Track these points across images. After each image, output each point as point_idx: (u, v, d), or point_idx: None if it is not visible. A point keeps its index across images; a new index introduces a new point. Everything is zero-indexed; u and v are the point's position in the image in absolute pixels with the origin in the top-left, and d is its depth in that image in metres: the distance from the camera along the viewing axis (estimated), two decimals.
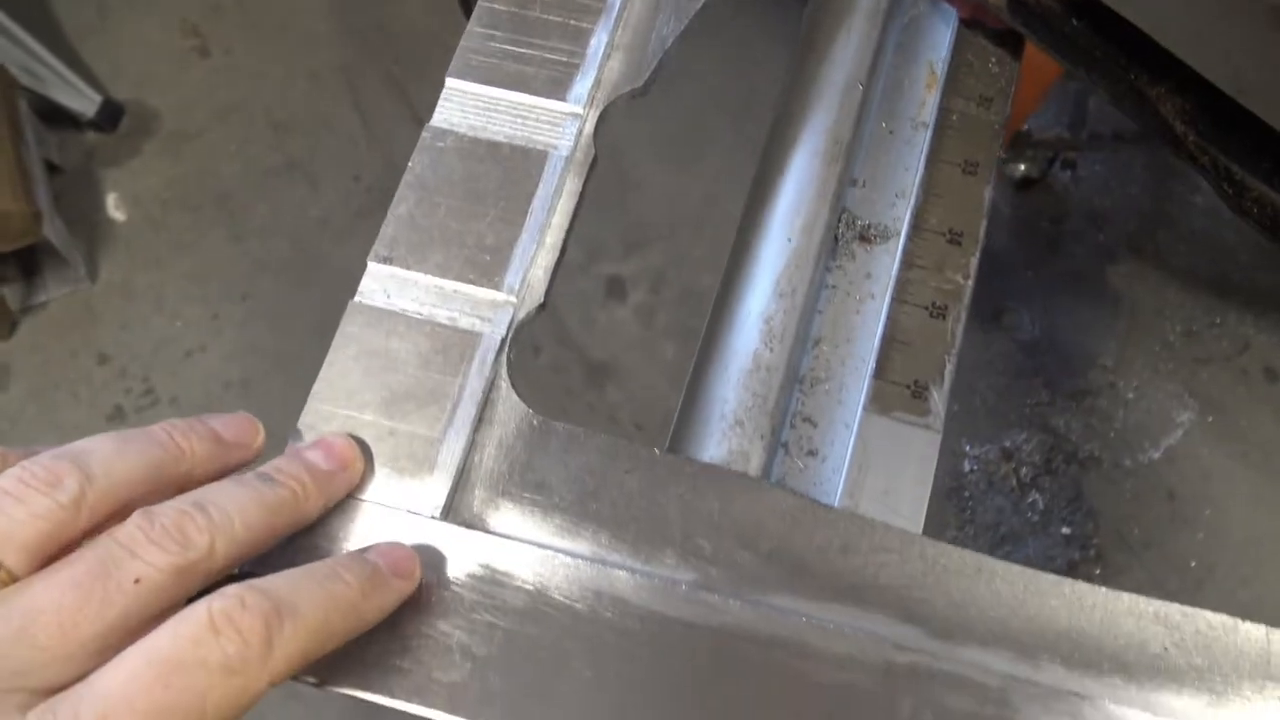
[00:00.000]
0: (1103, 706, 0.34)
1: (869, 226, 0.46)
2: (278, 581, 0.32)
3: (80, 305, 1.47)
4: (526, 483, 0.39)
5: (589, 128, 0.45)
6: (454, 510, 0.38)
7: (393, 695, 0.35)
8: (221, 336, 1.45)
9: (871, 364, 0.42)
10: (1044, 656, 0.35)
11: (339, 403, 0.40)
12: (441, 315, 0.41)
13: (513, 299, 0.41)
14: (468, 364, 0.40)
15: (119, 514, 0.32)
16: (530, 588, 0.36)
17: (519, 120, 0.45)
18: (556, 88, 0.45)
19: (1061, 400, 1.34)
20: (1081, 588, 0.36)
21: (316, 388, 0.40)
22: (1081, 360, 1.36)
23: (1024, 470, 1.31)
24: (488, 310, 0.41)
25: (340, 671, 0.35)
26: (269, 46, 1.62)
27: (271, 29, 1.63)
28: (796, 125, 0.48)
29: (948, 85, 0.48)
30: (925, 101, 0.48)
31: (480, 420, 0.39)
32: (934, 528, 0.38)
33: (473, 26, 0.46)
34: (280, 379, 1.40)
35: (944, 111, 0.47)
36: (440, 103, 0.45)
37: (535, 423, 0.39)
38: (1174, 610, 0.36)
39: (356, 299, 0.41)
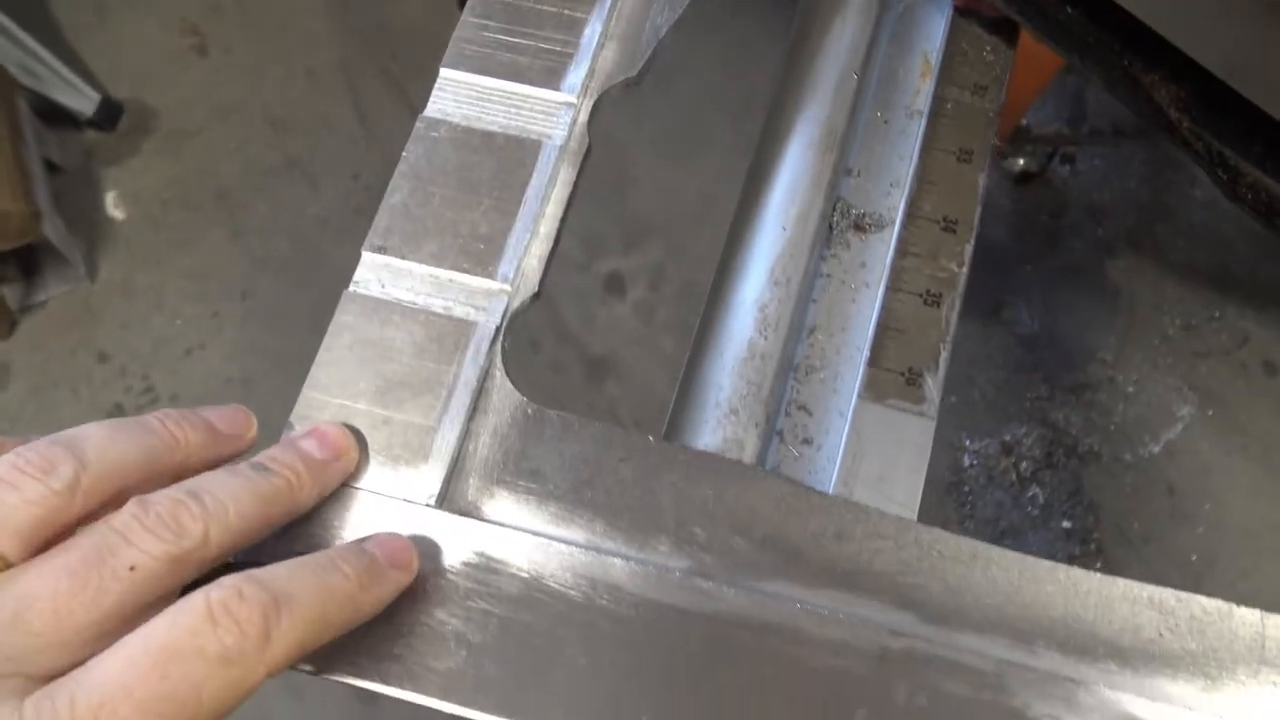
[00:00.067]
0: (1098, 691, 0.34)
1: (864, 215, 0.46)
2: (276, 572, 0.32)
3: (80, 304, 1.47)
4: (521, 471, 0.39)
5: (583, 117, 0.45)
6: (449, 498, 0.38)
7: (387, 683, 0.35)
8: (221, 335, 1.45)
9: (866, 352, 0.42)
10: (1039, 642, 0.35)
11: (334, 392, 0.40)
12: (436, 304, 0.41)
13: (507, 288, 0.41)
14: (462, 353, 0.40)
15: (113, 501, 0.32)
16: (525, 575, 0.36)
17: (513, 110, 0.45)
18: (550, 77, 0.45)
19: (1061, 394, 1.34)
20: (1076, 574, 0.36)
21: (311, 377, 0.40)
22: (1081, 354, 1.36)
23: (1024, 464, 1.31)
24: (482, 299, 0.41)
25: (335, 659, 0.35)
26: (268, 45, 1.62)
27: (270, 28, 1.63)
28: (791, 115, 0.48)
29: (942, 74, 0.48)
30: (920, 90, 0.48)
31: (475, 409, 0.39)
32: (934, 522, 0.38)
33: (466, 16, 0.46)
34: (280, 377, 1.40)
35: (938, 100, 0.47)
36: (434, 92, 0.45)
37: (530, 411, 0.39)
38: (1168, 595, 0.36)
39: (351, 288, 0.41)
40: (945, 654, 0.35)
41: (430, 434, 0.39)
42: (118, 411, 1.41)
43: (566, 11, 0.46)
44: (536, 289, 0.42)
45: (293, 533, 0.37)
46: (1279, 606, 0.35)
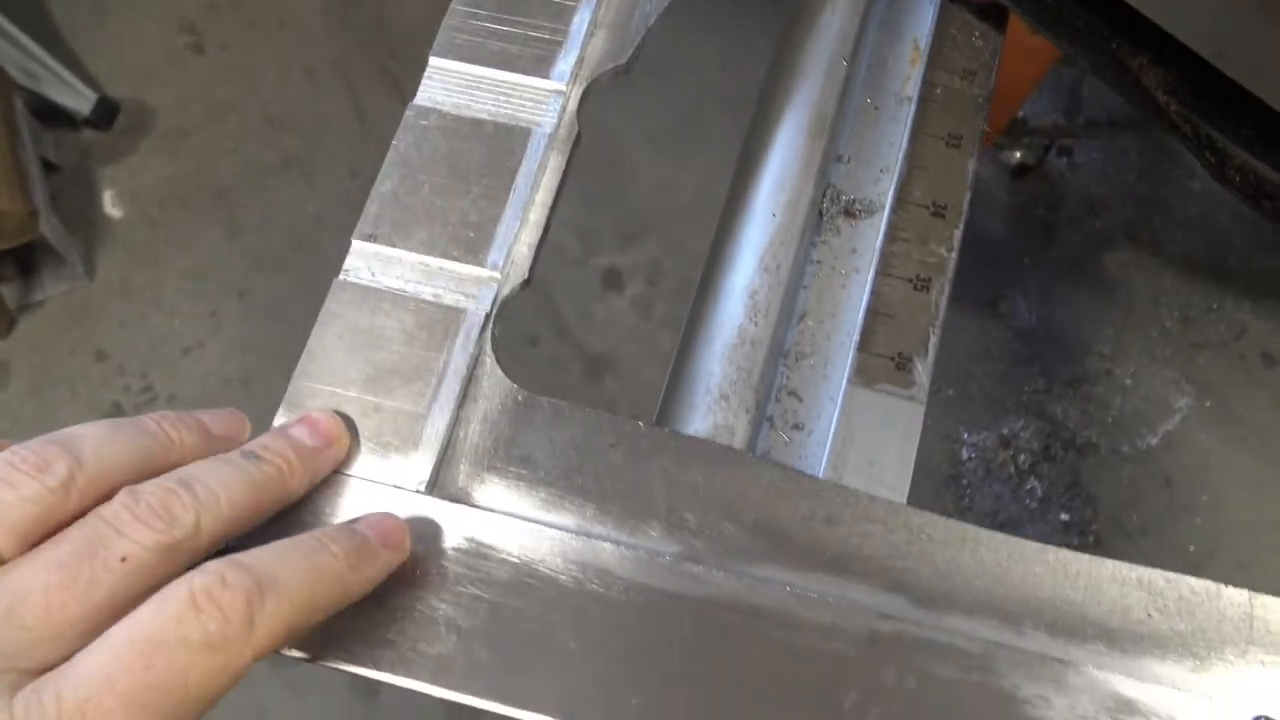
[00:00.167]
0: (1086, 672, 0.34)
1: (854, 201, 0.46)
2: (262, 555, 0.32)
3: (78, 303, 1.47)
4: (511, 457, 0.39)
5: (572, 105, 0.45)
6: (439, 485, 0.38)
7: (379, 668, 0.35)
8: (219, 333, 1.45)
9: (856, 337, 0.42)
10: (1028, 623, 0.36)
11: (324, 379, 0.40)
12: (426, 292, 0.41)
13: (497, 275, 0.41)
14: (452, 340, 0.40)
15: (107, 499, 0.32)
16: (515, 560, 0.37)
17: (503, 98, 0.45)
18: (540, 65, 0.45)
19: (1059, 387, 1.34)
20: (1065, 555, 0.36)
21: (301, 365, 0.40)
22: (1079, 347, 1.36)
23: (1022, 457, 1.31)
24: (472, 286, 0.41)
25: (329, 646, 0.35)
26: (265, 43, 1.62)
27: (267, 26, 1.63)
28: (781, 102, 0.48)
29: (931, 59, 0.48)
30: (910, 76, 0.48)
31: (465, 396, 0.39)
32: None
33: (456, 5, 0.46)
34: (279, 375, 1.39)
35: (927, 85, 0.47)
36: (424, 81, 0.45)
37: (520, 397, 0.39)
38: (1157, 576, 0.36)
39: (341, 277, 0.42)
40: (934, 636, 0.35)
41: (420, 421, 0.39)
42: (116, 410, 1.41)
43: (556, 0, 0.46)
44: (526, 276, 0.42)
45: (284, 520, 0.37)
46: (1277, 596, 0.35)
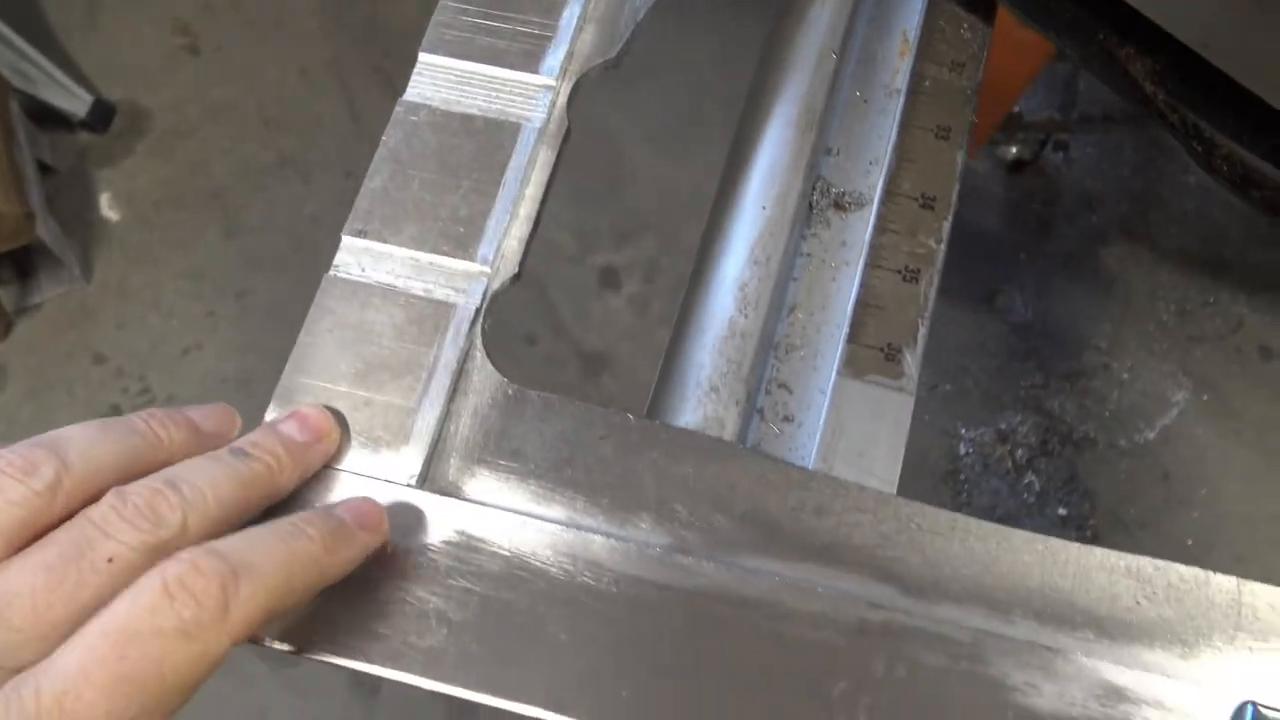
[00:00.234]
0: (1075, 659, 0.34)
1: (844, 194, 0.46)
2: (236, 541, 0.32)
3: (75, 305, 1.47)
4: (502, 450, 0.39)
5: (562, 99, 0.45)
6: (430, 479, 0.38)
7: (370, 661, 0.35)
8: (217, 334, 1.46)
9: (845, 329, 0.43)
10: (1017, 612, 0.36)
11: (315, 374, 0.40)
12: (416, 287, 0.41)
13: (487, 269, 0.41)
14: (442, 334, 0.40)
15: (96, 500, 0.32)
16: (506, 553, 0.37)
17: (492, 93, 0.45)
18: (529, 60, 0.45)
19: (1056, 382, 1.34)
20: (1054, 544, 0.36)
21: (292, 360, 0.40)
22: (1075, 342, 1.36)
23: (1019, 452, 1.31)
24: (462, 281, 0.41)
25: (318, 639, 0.35)
26: (260, 44, 1.62)
27: (262, 26, 1.63)
28: (771, 95, 0.48)
29: (920, 51, 0.48)
30: (899, 69, 0.48)
31: (455, 389, 0.39)
32: None
33: (446, 1, 0.46)
34: (276, 376, 1.39)
35: (916, 77, 0.47)
36: (414, 77, 0.45)
37: (510, 391, 0.40)
38: (1146, 564, 0.36)
39: (331, 272, 0.42)
40: (923, 625, 0.35)
41: (411, 415, 0.39)
42: (114, 412, 1.41)
43: None
44: (517, 270, 0.42)
45: (274, 515, 0.37)
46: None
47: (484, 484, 0.38)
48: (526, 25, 0.46)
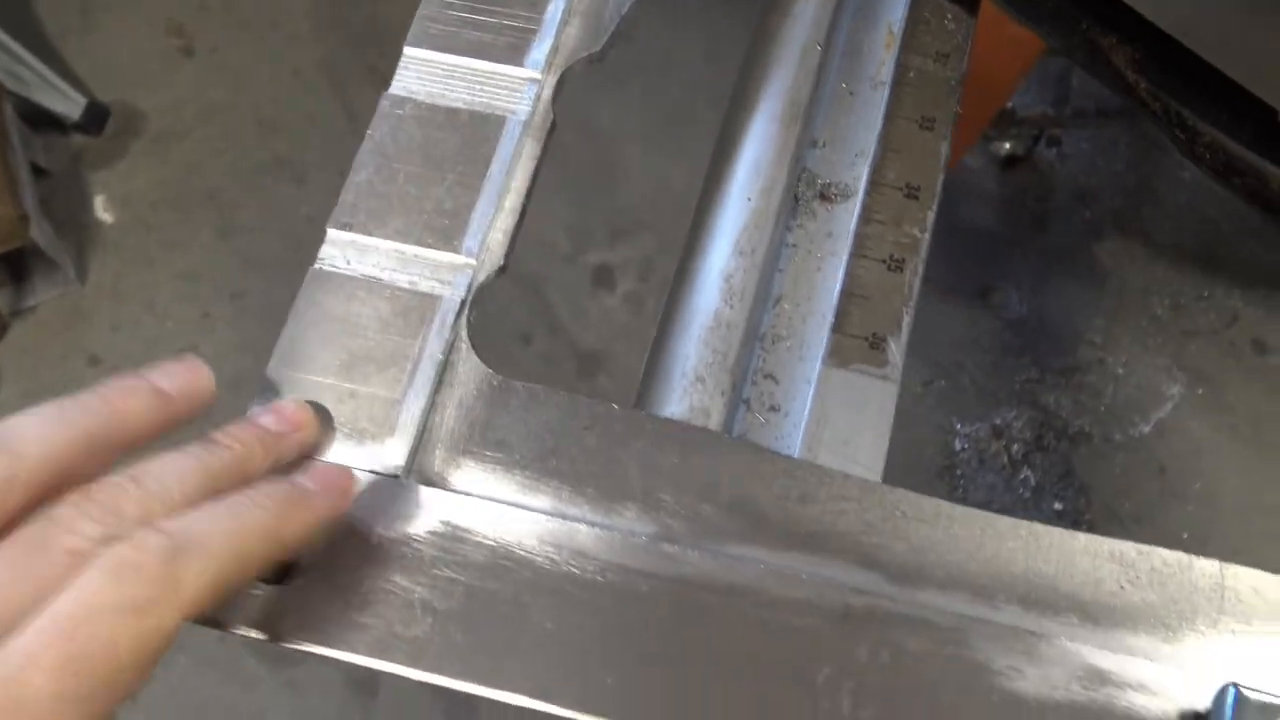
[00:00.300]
0: (1059, 644, 0.34)
1: (830, 185, 0.46)
2: (185, 517, 0.31)
3: (70, 308, 1.47)
4: (487, 441, 0.39)
5: (547, 93, 0.45)
6: (415, 470, 0.38)
7: (355, 651, 0.35)
8: (213, 335, 1.46)
9: (830, 319, 0.43)
10: (1001, 597, 0.36)
11: (300, 367, 0.40)
12: (401, 279, 0.41)
13: (472, 261, 0.41)
14: (428, 326, 0.40)
15: (58, 484, 0.32)
16: (491, 543, 0.37)
17: (477, 86, 0.45)
18: (514, 53, 0.45)
19: (1051, 377, 1.34)
20: (1038, 529, 0.36)
21: (277, 352, 0.40)
22: (1070, 337, 1.36)
23: (1015, 447, 1.31)
24: (447, 273, 0.41)
25: (302, 629, 0.35)
26: (254, 45, 1.62)
27: (256, 27, 1.63)
28: (756, 89, 0.48)
29: (904, 42, 0.48)
30: (884, 61, 0.49)
31: (441, 381, 0.40)
32: None
33: None
34: None
35: (901, 68, 0.47)
36: (399, 70, 0.45)
37: (495, 382, 0.40)
38: (1129, 548, 0.36)
39: (316, 265, 0.42)
40: (908, 611, 0.35)
41: (396, 406, 0.39)
42: None
43: None
44: (502, 263, 0.42)
45: None
46: None
47: (469, 475, 0.38)
48: (511, 19, 0.46)
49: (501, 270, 0.42)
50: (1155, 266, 1.39)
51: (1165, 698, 0.34)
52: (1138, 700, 0.34)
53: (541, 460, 0.38)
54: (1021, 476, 1.29)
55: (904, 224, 0.44)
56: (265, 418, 0.37)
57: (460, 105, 0.45)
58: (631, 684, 0.35)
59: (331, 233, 0.42)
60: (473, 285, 0.41)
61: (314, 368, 0.40)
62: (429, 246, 0.42)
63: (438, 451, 0.39)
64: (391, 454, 0.38)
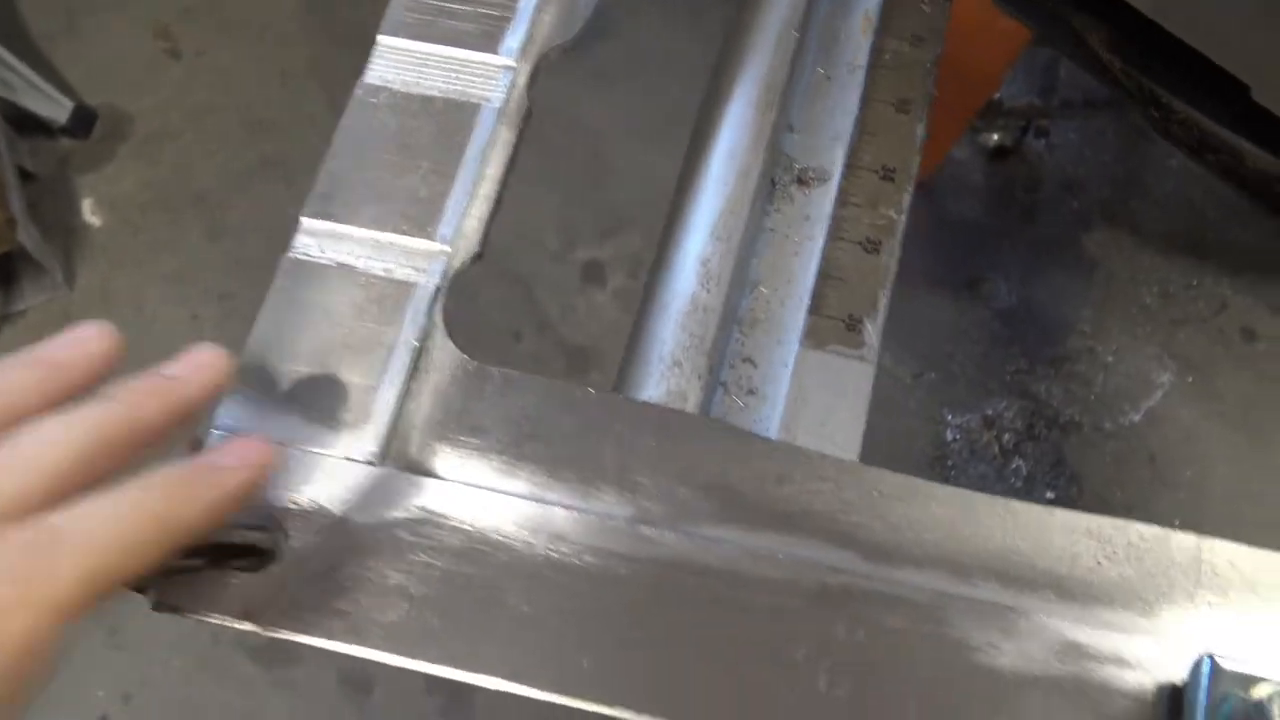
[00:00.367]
0: (1036, 619, 0.34)
1: (807, 170, 0.46)
2: (65, 509, 0.30)
3: (59, 312, 1.46)
4: (463, 426, 0.39)
5: (522, 80, 0.45)
6: (391, 456, 0.38)
7: (331, 637, 0.35)
8: (202, 337, 1.43)
9: (807, 301, 0.43)
10: (978, 574, 0.36)
11: (274, 355, 0.40)
12: (376, 267, 0.41)
13: (447, 249, 0.41)
14: (403, 313, 0.40)
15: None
16: (468, 528, 0.37)
17: (452, 74, 0.45)
18: (489, 41, 0.45)
19: (1041, 367, 1.34)
20: (1016, 506, 0.36)
21: (251, 340, 0.40)
22: (1059, 326, 1.36)
23: (1006, 437, 1.31)
24: (422, 260, 0.41)
25: (279, 616, 0.35)
26: (241, 46, 1.62)
27: (243, 29, 1.63)
28: (732, 75, 0.48)
29: (881, 25, 0.48)
30: (861, 46, 0.49)
31: (416, 367, 0.39)
32: None
33: None
34: None
35: (876, 51, 0.47)
36: (373, 59, 0.45)
37: (470, 368, 0.40)
38: (1105, 524, 0.36)
39: (290, 254, 0.42)
40: (884, 589, 0.35)
41: (371, 393, 0.39)
42: None
43: None
44: (478, 249, 0.42)
45: None
46: None
47: (446, 460, 0.38)
48: (485, 6, 0.46)
49: (478, 257, 0.42)
50: (1144, 255, 1.39)
51: (1142, 670, 0.34)
52: (1115, 674, 0.34)
53: (518, 445, 0.38)
54: (1013, 466, 1.29)
55: (880, 206, 0.44)
56: (169, 365, 0.35)
57: (435, 93, 0.44)
58: (609, 666, 0.35)
59: (306, 221, 0.42)
60: (448, 272, 0.41)
61: (289, 356, 0.40)
62: (404, 234, 0.42)
63: (414, 437, 0.39)
64: (367, 441, 0.38)
